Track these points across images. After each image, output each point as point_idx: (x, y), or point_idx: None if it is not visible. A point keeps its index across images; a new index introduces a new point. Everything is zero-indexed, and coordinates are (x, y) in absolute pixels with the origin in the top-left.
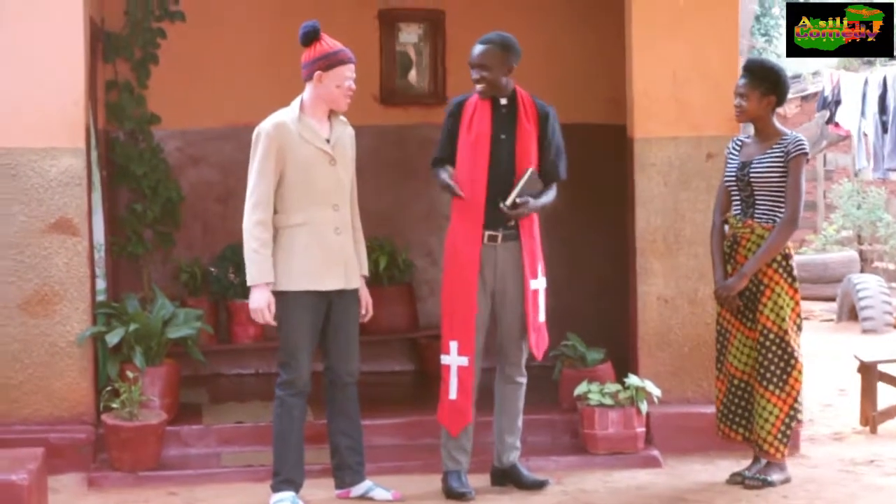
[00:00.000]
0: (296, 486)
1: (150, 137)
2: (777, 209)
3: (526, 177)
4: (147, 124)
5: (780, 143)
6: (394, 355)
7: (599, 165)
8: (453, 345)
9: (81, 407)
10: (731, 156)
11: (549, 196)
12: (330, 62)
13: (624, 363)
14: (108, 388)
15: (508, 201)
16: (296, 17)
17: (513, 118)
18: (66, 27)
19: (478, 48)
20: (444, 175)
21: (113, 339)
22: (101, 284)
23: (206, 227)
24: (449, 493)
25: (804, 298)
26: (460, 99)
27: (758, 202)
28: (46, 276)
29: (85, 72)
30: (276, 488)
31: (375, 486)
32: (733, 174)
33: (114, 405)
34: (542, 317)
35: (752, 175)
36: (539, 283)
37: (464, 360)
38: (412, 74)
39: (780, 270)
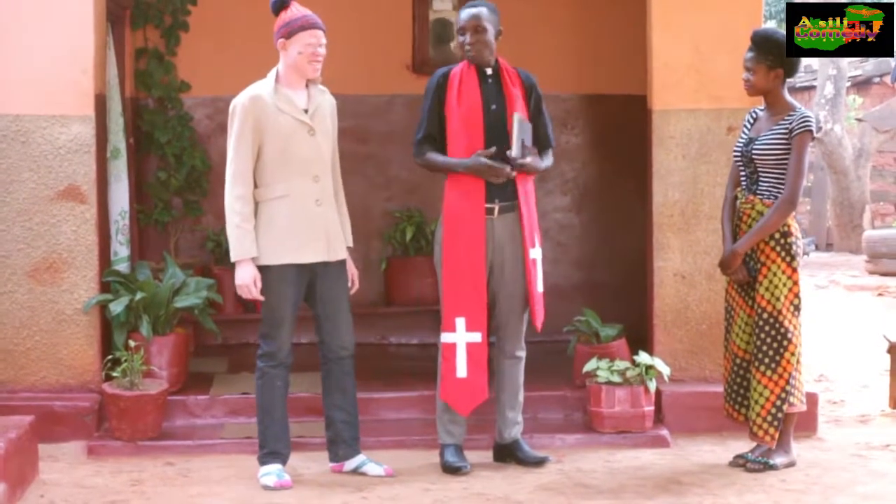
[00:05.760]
0: (282, 458)
1: (180, 105)
2: (780, 186)
3: (517, 122)
4: (176, 92)
5: (786, 120)
6: (420, 327)
7: (631, 138)
8: (460, 321)
9: (87, 375)
10: (744, 129)
11: (549, 161)
12: (291, 29)
13: (644, 340)
14: (110, 358)
15: (515, 151)
16: None
17: (500, 88)
18: None
19: (469, 11)
20: (474, 158)
21: (117, 307)
22: (124, 252)
23: None
24: (445, 466)
25: (885, 274)
26: (445, 70)
27: (761, 178)
28: (54, 244)
29: (94, 39)
30: (262, 461)
31: (368, 461)
32: (739, 150)
33: (115, 374)
34: (540, 287)
35: (754, 151)
36: (536, 253)
37: (475, 336)
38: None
39: (778, 248)
